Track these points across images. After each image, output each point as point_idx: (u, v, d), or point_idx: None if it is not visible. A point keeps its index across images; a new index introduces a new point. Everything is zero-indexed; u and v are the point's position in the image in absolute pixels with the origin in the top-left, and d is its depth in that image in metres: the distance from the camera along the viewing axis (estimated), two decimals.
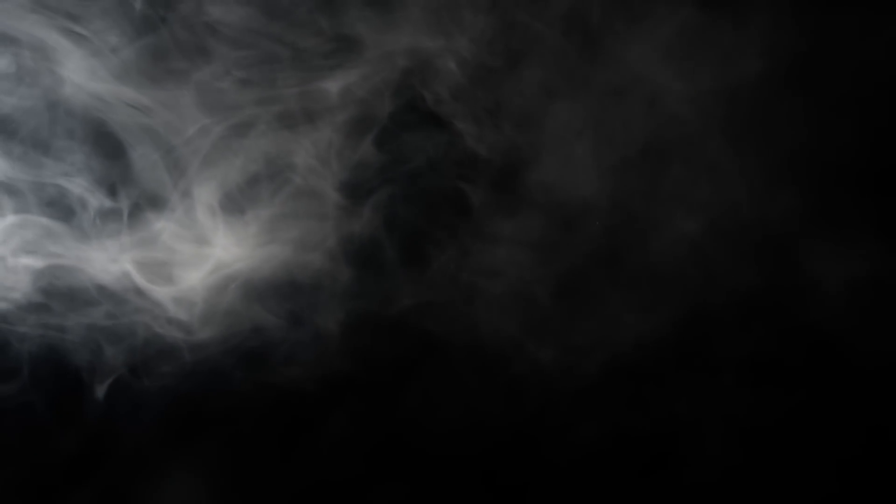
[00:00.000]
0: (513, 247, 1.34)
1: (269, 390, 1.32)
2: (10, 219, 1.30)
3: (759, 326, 1.33)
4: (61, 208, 1.31)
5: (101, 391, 1.30)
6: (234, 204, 1.32)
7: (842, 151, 1.33)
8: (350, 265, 1.33)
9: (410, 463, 1.34)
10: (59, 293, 1.30)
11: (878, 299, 1.31)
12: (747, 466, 1.32)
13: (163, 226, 1.30)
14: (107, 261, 1.29)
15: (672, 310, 1.33)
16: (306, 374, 1.33)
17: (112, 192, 1.31)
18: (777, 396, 1.32)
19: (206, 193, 1.31)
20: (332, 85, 1.31)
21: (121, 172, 1.32)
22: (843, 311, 1.31)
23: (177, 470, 1.33)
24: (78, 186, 1.31)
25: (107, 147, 1.32)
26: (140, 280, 1.30)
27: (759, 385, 1.32)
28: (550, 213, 1.34)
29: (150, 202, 1.31)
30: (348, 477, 1.33)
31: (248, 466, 1.34)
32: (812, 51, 1.33)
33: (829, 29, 1.32)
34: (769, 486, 1.32)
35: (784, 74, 1.33)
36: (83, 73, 1.31)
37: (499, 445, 1.34)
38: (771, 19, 1.32)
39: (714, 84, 1.33)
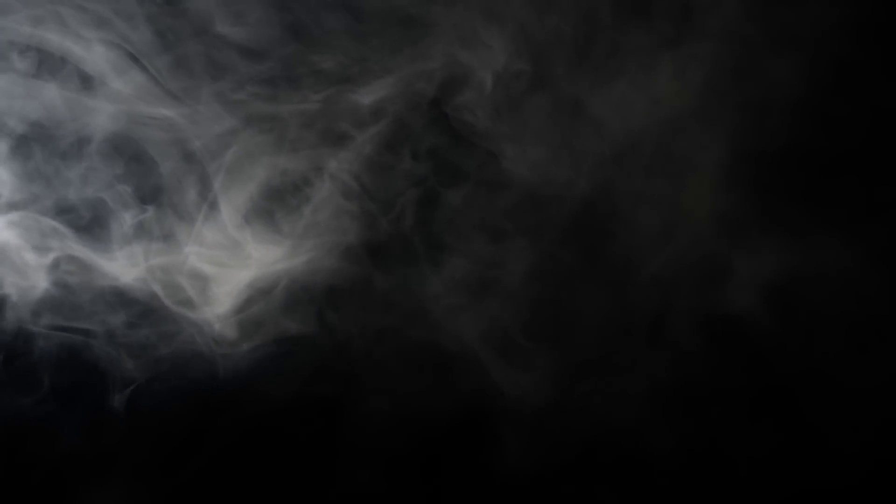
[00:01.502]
0: (529, 256, 1.37)
1: (295, 398, 1.33)
2: (31, 223, 1.28)
3: (697, 330, 1.35)
4: (82, 216, 1.30)
5: (121, 400, 1.30)
6: (261, 215, 1.32)
7: (783, 147, 1.35)
8: (378, 274, 1.35)
9: (422, 468, 1.36)
10: (81, 301, 1.28)
11: (811, 294, 1.35)
12: (696, 474, 1.36)
13: (189, 236, 1.30)
14: (133, 270, 1.28)
15: (631, 314, 1.38)
16: (331, 382, 1.34)
17: (137, 201, 1.30)
18: (715, 401, 1.35)
19: (233, 204, 1.31)
20: (361, 98, 1.32)
21: (146, 182, 1.31)
22: (776, 307, 1.34)
23: (192, 477, 1.33)
24: (99, 193, 1.30)
25: (130, 157, 1.31)
26: (166, 289, 1.29)
27: (700, 391, 1.35)
28: (567, 227, 1.37)
29: (177, 213, 1.30)
30: (370, 486, 1.34)
31: (264, 474, 1.34)
32: (752, 43, 1.36)
33: (765, 24, 1.35)
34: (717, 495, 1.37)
35: (725, 68, 1.36)
36: (105, 81, 1.30)
37: (492, 448, 1.37)
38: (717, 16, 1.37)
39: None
